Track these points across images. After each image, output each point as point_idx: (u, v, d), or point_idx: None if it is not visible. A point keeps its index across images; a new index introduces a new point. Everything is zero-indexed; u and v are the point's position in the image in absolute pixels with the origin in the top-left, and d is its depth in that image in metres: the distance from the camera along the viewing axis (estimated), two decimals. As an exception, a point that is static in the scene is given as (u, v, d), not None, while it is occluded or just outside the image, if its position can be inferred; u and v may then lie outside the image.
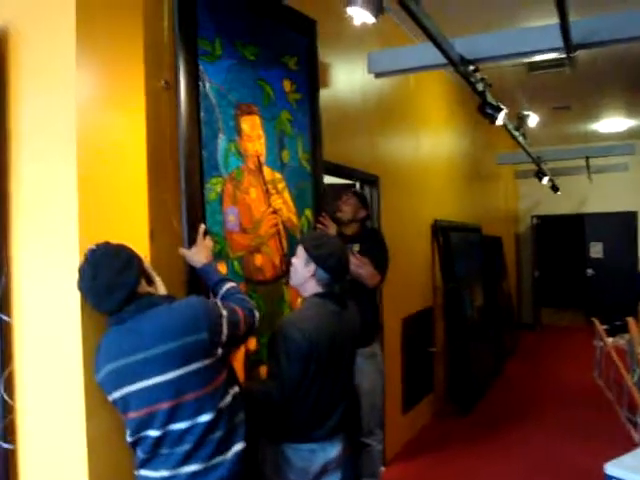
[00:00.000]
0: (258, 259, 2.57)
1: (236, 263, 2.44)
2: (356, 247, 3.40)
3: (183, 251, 2.18)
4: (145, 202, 2.13)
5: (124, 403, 1.72)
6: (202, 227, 2.23)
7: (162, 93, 2.22)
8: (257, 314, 2.02)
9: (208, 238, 2.24)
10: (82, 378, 1.84)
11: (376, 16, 2.36)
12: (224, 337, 1.81)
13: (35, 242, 1.94)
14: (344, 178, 4.16)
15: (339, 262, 2.27)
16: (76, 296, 1.83)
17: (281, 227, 2.71)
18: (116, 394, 1.72)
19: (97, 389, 1.79)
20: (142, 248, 2.00)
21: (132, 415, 1.71)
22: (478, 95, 3.96)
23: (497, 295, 7.95)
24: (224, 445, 1.78)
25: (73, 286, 1.79)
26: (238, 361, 2.41)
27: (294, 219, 2.82)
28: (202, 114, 2.32)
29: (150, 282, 1.90)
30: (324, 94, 3.54)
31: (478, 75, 3.75)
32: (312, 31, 3.06)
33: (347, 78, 4.06)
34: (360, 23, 2.47)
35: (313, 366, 2.13)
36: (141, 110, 2.13)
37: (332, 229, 3.11)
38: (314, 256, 2.25)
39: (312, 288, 2.28)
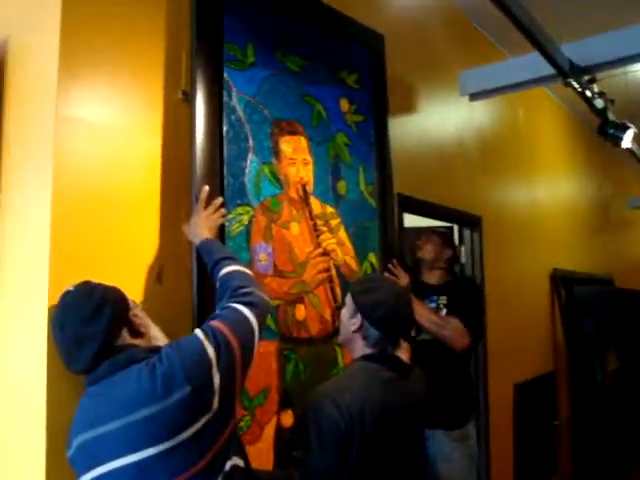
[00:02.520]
0: (300, 311, 2.06)
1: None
2: (443, 300, 2.77)
3: (184, 227, 1.77)
4: (156, 236, 1.77)
5: None
6: (205, 189, 1.78)
7: (180, 106, 1.86)
8: (268, 303, 1.59)
9: (216, 210, 1.79)
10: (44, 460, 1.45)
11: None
12: (217, 381, 1.34)
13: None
14: (437, 219, 3.59)
15: (393, 314, 1.72)
16: (42, 348, 1.48)
17: (334, 273, 2.20)
18: (86, 477, 1.29)
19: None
20: (142, 291, 1.69)
21: None
22: (597, 114, 3.27)
23: (636, 358, 6.86)
24: None
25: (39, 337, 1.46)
26: (266, 440, 1.89)
27: (353, 264, 2.30)
28: (225, 129, 1.90)
29: (137, 334, 1.46)
30: (411, 123, 3.18)
31: (595, 87, 3.08)
32: (378, 46, 2.62)
33: (441, 108, 3.58)
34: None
35: (355, 452, 1.58)
36: (154, 126, 1.80)
37: (404, 280, 2.51)
38: (359, 305, 1.73)
39: (360, 348, 1.75)
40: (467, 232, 3.82)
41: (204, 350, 1.35)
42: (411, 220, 3.58)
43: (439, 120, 3.54)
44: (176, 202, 1.81)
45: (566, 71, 2.90)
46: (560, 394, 5.05)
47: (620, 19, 2.82)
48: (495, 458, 3.73)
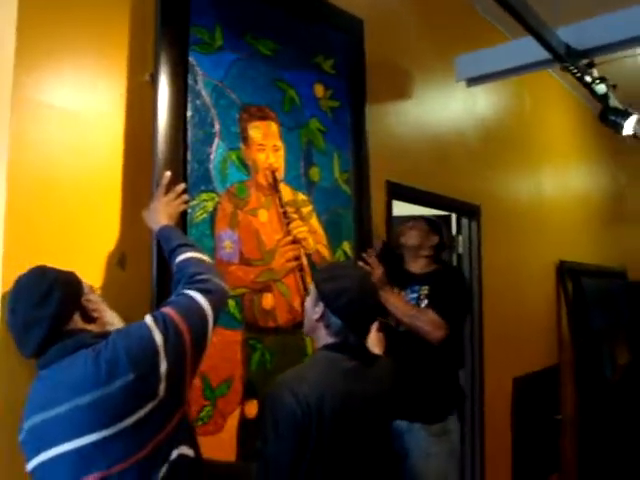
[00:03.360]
0: (267, 300, 2.02)
1: (231, 303, 1.91)
2: (424, 290, 2.62)
3: (143, 213, 1.74)
4: (117, 222, 1.75)
5: (40, 478, 1.29)
6: (167, 175, 1.75)
7: (147, 88, 1.82)
8: (225, 290, 1.56)
9: (178, 196, 1.76)
10: None
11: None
12: (163, 368, 1.31)
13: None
14: (431, 207, 3.51)
15: (357, 303, 1.65)
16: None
17: (305, 261, 2.15)
18: (32, 463, 1.29)
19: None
20: (103, 276, 1.67)
21: None
22: (599, 100, 3.15)
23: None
24: None
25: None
26: (229, 431, 1.86)
27: (325, 252, 2.25)
28: (190, 113, 1.86)
29: (90, 319, 1.44)
30: (404, 109, 3.11)
31: (595, 72, 2.96)
32: (356, 30, 2.54)
33: (439, 94, 3.49)
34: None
35: (312, 443, 1.54)
36: (117, 110, 1.78)
37: (377, 271, 2.42)
38: (322, 293, 1.67)
39: (323, 337, 1.71)
40: (465, 221, 3.74)
41: (151, 336, 1.33)
42: (407, 209, 3.53)
43: (436, 107, 3.46)
44: (139, 188, 1.79)
45: (562, 55, 2.79)
46: (565, 388, 4.95)
47: (618, 1, 2.70)
48: (491, 454, 3.66)
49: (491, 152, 4.01)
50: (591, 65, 2.93)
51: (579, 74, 2.97)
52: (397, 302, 2.45)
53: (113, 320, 1.53)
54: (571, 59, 2.81)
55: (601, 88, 3.10)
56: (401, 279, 2.64)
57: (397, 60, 3.05)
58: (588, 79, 3.01)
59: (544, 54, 2.82)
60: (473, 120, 3.83)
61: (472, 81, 3.29)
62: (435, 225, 2.74)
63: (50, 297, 1.34)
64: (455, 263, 3.72)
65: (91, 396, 1.25)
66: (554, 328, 4.89)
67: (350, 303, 1.64)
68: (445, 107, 3.55)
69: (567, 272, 4.96)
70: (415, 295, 2.60)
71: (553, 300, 4.90)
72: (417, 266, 2.72)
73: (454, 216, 3.73)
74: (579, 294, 5.04)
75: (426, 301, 2.55)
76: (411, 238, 2.70)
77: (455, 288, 2.64)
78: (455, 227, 3.76)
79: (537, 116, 4.79)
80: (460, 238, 3.75)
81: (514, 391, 4.10)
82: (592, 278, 5.36)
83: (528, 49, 2.89)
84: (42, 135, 1.59)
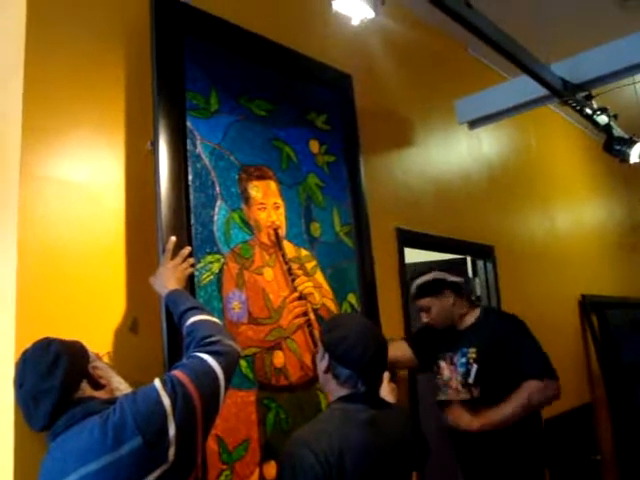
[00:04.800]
0: (278, 358, 2.00)
1: (243, 363, 1.90)
2: (472, 354, 2.35)
3: (150, 279, 1.74)
4: (124, 289, 1.78)
5: None
6: (172, 240, 1.76)
7: (148, 156, 1.87)
8: (236, 351, 1.53)
9: (184, 260, 1.77)
10: None
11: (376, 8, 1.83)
12: (172, 432, 1.28)
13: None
14: (444, 252, 3.50)
15: (358, 348, 1.63)
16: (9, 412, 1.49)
17: (312, 316, 2.14)
18: None
19: None
20: (114, 342, 1.70)
21: None
22: (602, 131, 3.16)
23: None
24: None
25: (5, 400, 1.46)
26: (248, 495, 1.83)
27: (331, 306, 2.24)
28: (191, 177, 1.90)
29: (98, 386, 1.42)
30: (409, 157, 3.16)
31: (594, 104, 2.98)
32: (345, 86, 2.59)
33: (442, 139, 3.53)
34: (359, 22, 1.97)
35: None
36: (120, 179, 1.84)
37: (461, 417, 2.32)
38: (325, 343, 1.68)
39: (334, 389, 1.68)
40: (480, 263, 3.72)
41: (159, 400, 1.30)
42: (421, 255, 3.52)
43: (440, 151, 3.49)
44: (145, 254, 1.81)
45: (560, 90, 2.83)
46: (600, 427, 4.78)
47: (608, 33, 2.74)
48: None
49: (500, 191, 4.01)
50: (589, 97, 2.96)
51: (579, 107, 3.00)
52: (491, 419, 2.27)
53: (120, 386, 1.50)
54: (569, 93, 2.85)
55: (603, 119, 3.12)
56: (449, 340, 2.47)
57: (395, 109, 3.10)
58: (588, 111, 3.03)
59: (542, 90, 2.85)
60: (479, 161, 3.85)
61: (473, 124, 3.33)
62: (439, 283, 2.46)
63: (56, 367, 1.33)
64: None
65: (99, 463, 1.23)
66: (583, 365, 4.76)
67: (351, 349, 1.62)
68: (449, 150, 3.58)
69: (590, 306, 4.86)
70: (464, 360, 2.38)
71: (579, 336, 4.79)
72: (461, 324, 2.48)
73: (469, 259, 3.71)
74: (605, 327, 4.93)
75: (475, 367, 2.33)
76: (430, 318, 2.46)
77: (521, 336, 2.40)
78: (471, 270, 3.74)
79: (544, 152, 4.80)
80: (477, 280, 3.71)
81: (546, 434, 3.98)
82: (617, 310, 5.25)
83: (525, 87, 2.94)
84: (49, 208, 1.64)
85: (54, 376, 1.32)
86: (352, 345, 1.62)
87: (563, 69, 2.80)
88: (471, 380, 2.33)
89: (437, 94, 3.47)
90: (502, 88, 3.18)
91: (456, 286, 2.47)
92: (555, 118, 5.07)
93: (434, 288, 2.43)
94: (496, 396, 2.28)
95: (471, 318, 2.47)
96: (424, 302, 2.44)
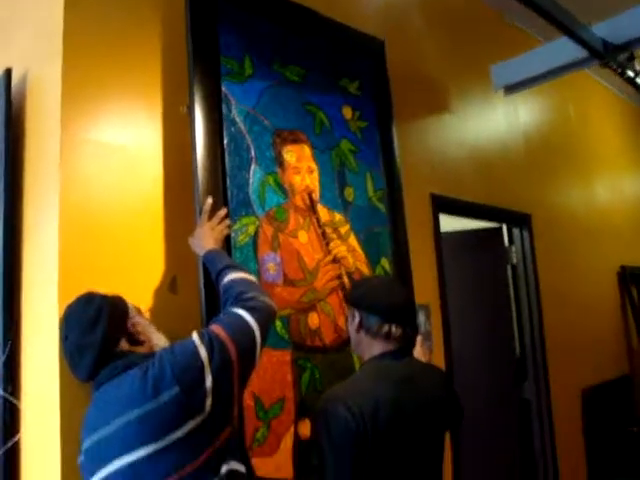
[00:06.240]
0: (313, 319, 2.03)
1: (279, 324, 1.94)
2: None
3: (189, 239, 1.78)
4: (164, 249, 1.83)
5: None
6: (209, 201, 1.80)
7: (184, 120, 1.91)
8: (272, 307, 1.57)
9: (220, 221, 1.80)
10: (59, 469, 1.51)
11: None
12: (209, 383, 1.33)
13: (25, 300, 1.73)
14: (481, 219, 3.49)
15: (384, 294, 1.69)
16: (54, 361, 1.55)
17: (346, 280, 2.16)
18: None
19: None
20: (153, 301, 1.75)
21: None
22: (644, 94, 3.09)
23: None
24: None
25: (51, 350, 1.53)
26: (285, 452, 1.88)
27: (365, 270, 2.25)
28: (226, 141, 1.93)
29: (136, 343, 1.48)
30: (444, 123, 3.14)
31: (637, 65, 2.90)
32: (378, 52, 2.58)
33: (479, 106, 3.49)
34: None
35: (369, 453, 1.52)
36: (158, 141, 1.88)
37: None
38: (351, 300, 1.72)
39: (367, 347, 1.70)
40: (516, 231, 3.69)
41: (196, 352, 1.35)
42: (455, 224, 3.50)
43: (477, 118, 3.46)
44: (183, 215, 1.85)
45: (600, 51, 2.76)
46: (638, 398, 4.74)
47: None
48: (565, 470, 3.53)
49: (538, 160, 3.95)
50: (631, 58, 2.88)
51: (620, 69, 2.93)
52: None
53: (159, 342, 1.54)
54: (609, 54, 2.78)
55: (645, 80, 3.04)
56: None
57: (430, 75, 3.07)
58: (630, 73, 2.96)
59: (580, 53, 2.80)
60: (516, 129, 3.80)
61: (509, 89, 3.27)
62: None
63: (98, 323, 1.39)
64: (510, 274, 3.67)
65: (140, 411, 1.28)
66: (622, 336, 4.71)
67: (379, 297, 1.67)
68: (485, 117, 3.54)
69: (630, 277, 4.79)
70: None
71: (618, 307, 4.73)
72: None
73: (505, 228, 3.68)
74: (645, 300, 4.86)
75: None
76: None
77: None
78: (507, 238, 3.71)
79: (583, 120, 4.71)
80: (513, 249, 3.69)
81: (583, 403, 3.96)
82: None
83: (563, 50, 2.87)
84: (89, 169, 1.70)
85: (95, 331, 1.38)
86: (379, 295, 1.67)
87: (604, 29, 2.73)
88: None
89: (473, 60, 3.42)
90: (540, 51, 3.12)
91: None
92: (594, 85, 4.96)
93: None
94: None
95: None
96: None
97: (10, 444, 1.64)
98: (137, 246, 1.76)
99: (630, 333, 4.78)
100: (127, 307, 1.50)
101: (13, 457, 1.64)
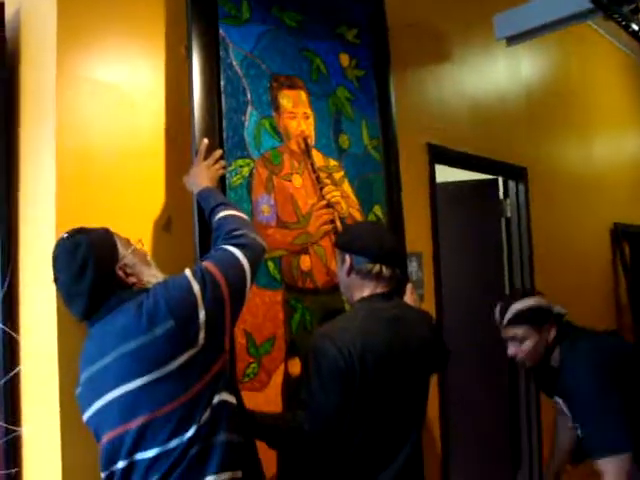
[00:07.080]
0: (305, 262, 2.09)
1: (271, 264, 1.99)
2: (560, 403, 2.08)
3: (184, 178, 1.83)
4: (162, 189, 1.88)
5: (94, 426, 1.39)
6: (205, 141, 1.83)
7: (182, 60, 1.92)
8: (261, 245, 1.61)
9: (216, 161, 1.84)
10: (57, 399, 1.58)
11: None
12: (202, 316, 1.38)
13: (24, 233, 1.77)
14: (477, 171, 3.51)
15: (368, 232, 1.82)
16: (51, 297, 1.60)
17: (339, 224, 2.20)
18: (87, 414, 1.40)
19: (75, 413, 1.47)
20: (149, 240, 1.79)
21: (103, 442, 1.37)
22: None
23: None
24: (192, 475, 1.33)
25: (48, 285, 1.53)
26: (274, 388, 1.95)
27: (358, 216, 2.29)
28: (223, 83, 1.94)
29: (127, 285, 1.47)
30: (444, 72, 3.13)
31: (643, 19, 2.88)
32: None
33: (479, 57, 3.48)
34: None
35: (356, 390, 1.61)
36: (156, 81, 1.90)
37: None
38: (341, 245, 1.81)
39: (358, 289, 1.78)
40: (512, 184, 3.71)
41: (189, 286, 1.40)
42: (452, 175, 3.52)
43: (477, 69, 3.44)
44: (181, 156, 1.89)
45: (604, 2, 2.72)
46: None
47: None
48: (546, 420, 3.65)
49: (537, 113, 3.94)
50: (636, 11, 2.84)
51: (624, 22, 2.89)
52: None
53: (152, 279, 1.52)
54: (613, 6, 2.74)
55: (650, 35, 3.01)
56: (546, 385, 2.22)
57: (430, 22, 3.04)
58: (635, 27, 2.92)
59: (585, 4, 2.75)
60: (517, 81, 3.78)
61: (512, 40, 3.23)
62: (543, 311, 2.07)
63: (84, 274, 1.39)
64: (504, 227, 3.71)
65: (135, 343, 1.34)
66: (611, 292, 4.77)
67: (367, 240, 1.76)
68: (486, 68, 3.52)
69: (622, 234, 4.83)
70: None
71: (609, 263, 4.78)
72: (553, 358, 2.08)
73: (500, 180, 3.71)
74: (636, 256, 4.95)
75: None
76: (521, 351, 2.05)
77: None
78: (502, 191, 3.74)
79: (585, 75, 4.67)
80: (508, 201, 3.72)
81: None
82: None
83: (568, 1, 2.83)
84: (85, 107, 1.71)
85: (83, 281, 1.39)
86: (369, 237, 1.76)
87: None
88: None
89: (475, 9, 3.38)
90: (542, 2, 3.06)
91: (559, 320, 2.10)
92: (598, 40, 4.90)
93: (537, 318, 2.04)
94: None
95: (556, 356, 2.07)
96: (519, 331, 2.03)
97: (11, 375, 1.70)
98: (133, 186, 1.80)
99: (620, 290, 4.85)
100: (116, 249, 1.46)
101: (14, 388, 1.71)
